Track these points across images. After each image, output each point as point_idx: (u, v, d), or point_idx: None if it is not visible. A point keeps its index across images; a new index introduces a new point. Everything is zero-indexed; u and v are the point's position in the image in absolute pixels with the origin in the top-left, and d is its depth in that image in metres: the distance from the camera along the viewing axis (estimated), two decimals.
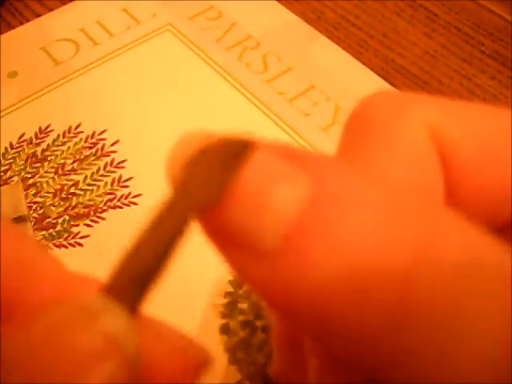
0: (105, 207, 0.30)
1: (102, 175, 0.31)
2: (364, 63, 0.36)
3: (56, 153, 0.32)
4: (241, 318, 0.25)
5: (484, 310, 0.08)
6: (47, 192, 0.30)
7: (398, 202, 0.09)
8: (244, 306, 0.26)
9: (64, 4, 0.40)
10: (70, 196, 0.30)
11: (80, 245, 0.28)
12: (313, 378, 0.11)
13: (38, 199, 0.30)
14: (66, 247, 0.28)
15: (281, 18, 0.39)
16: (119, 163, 0.31)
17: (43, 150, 0.32)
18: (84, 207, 0.30)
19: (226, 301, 0.26)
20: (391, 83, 0.35)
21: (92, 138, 0.32)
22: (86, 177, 0.31)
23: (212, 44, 0.37)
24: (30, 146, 0.32)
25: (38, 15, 0.39)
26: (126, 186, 0.30)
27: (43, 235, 0.29)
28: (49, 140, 0.32)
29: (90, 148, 0.32)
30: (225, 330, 0.25)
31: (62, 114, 0.34)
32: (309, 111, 0.33)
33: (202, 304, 0.26)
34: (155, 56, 0.37)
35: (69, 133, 0.33)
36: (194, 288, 0.27)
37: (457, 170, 0.11)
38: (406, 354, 0.08)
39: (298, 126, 0.33)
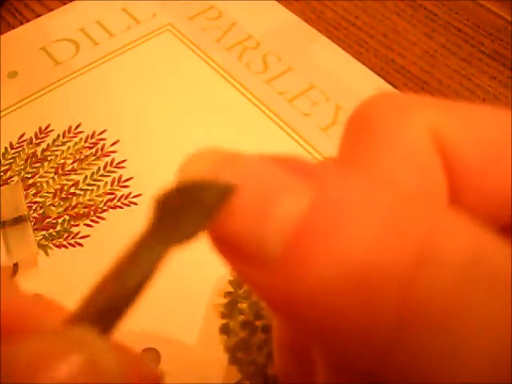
0: (105, 207, 0.30)
1: (102, 175, 0.31)
2: (364, 63, 0.36)
3: (56, 153, 0.32)
4: (241, 318, 0.25)
5: (486, 310, 0.08)
6: (47, 192, 0.30)
7: (401, 203, 0.09)
8: (244, 305, 0.26)
9: (64, 4, 0.40)
10: (70, 196, 0.30)
11: (80, 245, 0.28)
12: (318, 380, 0.11)
13: (38, 199, 0.30)
14: (66, 247, 0.28)
15: (281, 17, 0.39)
16: (119, 163, 0.31)
17: (43, 150, 0.32)
18: (84, 207, 0.30)
19: (226, 301, 0.26)
20: (391, 83, 0.35)
21: (92, 138, 0.32)
22: (86, 177, 0.31)
23: (212, 44, 0.37)
24: (30, 146, 0.32)
25: (38, 15, 0.39)
26: (126, 186, 0.30)
27: (43, 235, 0.29)
28: (49, 140, 0.32)
29: (90, 148, 0.32)
30: (225, 329, 0.25)
31: (62, 114, 0.34)
32: (309, 111, 0.33)
33: (202, 304, 0.26)
34: (155, 56, 0.37)
35: (69, 133, 0.33)
36: (194, 288, 0.27)
37: (459, 172, 0.11)
38: (410, 354, 0.08)
39: (298, 126, 0.33)
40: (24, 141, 0.32)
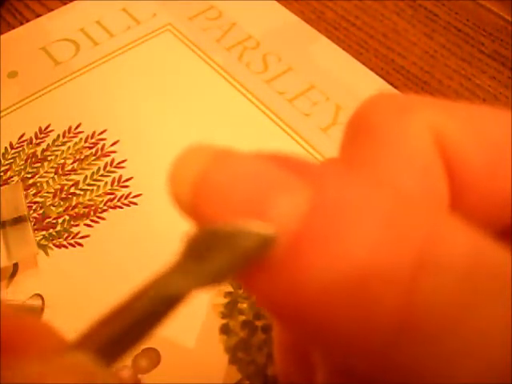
0: (105, 207, 0.30)
1: (102, 175, 0.31)
2: (364, 63, 0.36)
3: (56, 153, 0.32)
4: (241, 318, 0.25)
5: (486, 313, 0.08)
6: (47, 192, 0.30)
7: (402, 206, 0.09)
8: (244, 306, 0.26)
9: (64, 4, 0.40)
10: (70, 196, 0.30)
11: (80, 245, 0.28)
12: (318, 381, 0.11)
13: (38, 199, 0.30)
14: (66, 247, 0.28)
15: (281, 18, 0.39)
16: (119, 163, 0.31)
17: (43, 150, 0.32)
18: (84, 207, 0.30)
19: (226, 301, 0.26)
20: (391, 83, 0.35)
21: (92, 138, 0.32)
22: (86, 177, 0.31)
23: (212, 44, 0.37)
24: (30, 146, 0.32)
25: (38, 15, 0.39)
26: (126, 186, 0.30)
27: (43, 235, 0.29)
28: (49, 140, 0.32)
29: (90, 148, 0.32)
30: (225, 330, 0.25)
31: (62, 114, 0.34)
32: (309, 111, 0.33)
33: (202, 304, 0.26)
34: (155, 56, 0.37)
35: (69, 133, 0.33)
36: None
37: (460, 173, 0.11)
38: (409, 357, 0.08)
39: (298, 126, 0.33)
40: (24, 141, 0.32)
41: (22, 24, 0.39)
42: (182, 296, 0.09)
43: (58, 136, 0.33)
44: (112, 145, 0.32)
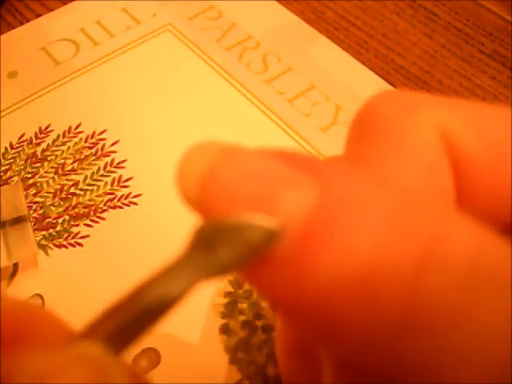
0: (105, 207, 0.30)
1: (102, 175, 0.31)
2: (364, 63, 0.36)
3: (56, 153, 0.32)
4: (241, 318, 0.25)
5: (488, 309, 0.08)
6: (47, 192, 0.30)
7: (408, 203, 0.09)
8: (244, 305, 0.26)
9: (64, 4, 0.40)
10: (70, 196, 0.30)
11: (80, 245, 0.28)
12: (324, 380, 0.11)
13: (38, 199, 0.30)
14: (66, 247, 0.28)
15: (281, 18, 0.39)
16: (119, 163, 0.31)
17: (43, 150, 0.32)
18: (84, 207, 0.30)
19: (226, 301, 0.26)
20: (391, 83, 0.35)
21: (92, 138, 0.32)
22: (85, 177, 0.31)
23: (212, 44, 0.37)
24: (30, 146, 0.32)
25: (38, 15, 0.39)
26: (126, 186, 0.30)
27: (43, 235, 0.29)
28: (49, 140, 0.32)
29: (90, 148, 0.32)
30: (225, 330, 0.25)
31: (62, 114, 0.34)
32: (309, 111, 0.33)
33: (202, 304, 0.26)
34: (155, 56, 0.37)
35: (69, 133, 0.33)
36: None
37: (466, 170, 0.11)
38: (414, 352, 0.08)
39: (297, 126, 0.33)
40: (24, 141, 0.32)
41: (22, 24, 0.39)
42: (189, 286, 0.09)
43: (58, 136, 0.33)
44: (112, 145, 0.32)
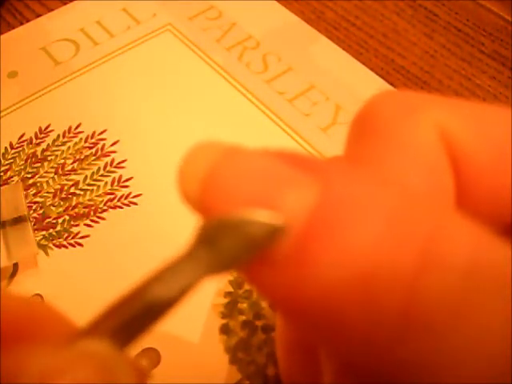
0: (105, 207, 0.30)
1: (102, 175, 0.31)
2: (364, 63, 0.36)
3: (56, 153, 0.32)
4: (241, 318, 0.25)
5: (487, 310, 0.08)
6: (47, 192, 0.30)
7: (407, 204, 0.09)
8: (244, 305, 0.26)
9: (64, 4, 0.40)
10: (70, 196, 0.30)
11: (80, 245, 0.28)
12: (325, 380, 0.11)
13: (38, 199, 0.30)
14: (66, 247, 0.28)
15: (281, 18, 0.39)
16: (119, 163, 0.31)
17: (43, 150, 0.32)
18: (84, 207, 0.30)
19: (226, 301, 0.26)
20: (391, 83, 0.35)
21: (92, 138, 0.32)
22: (85, 177, 0.31)
23: (212, 44, 0.37)
24: (30, 146, 0.32)
25: (38, 15, 0.39)
26: (126, 186, 0.30)
27: (43, 235, 0.29)
28: (49, 140, 0.32)
29: (90, 148, 0.32)
30: (225, 330, 0.25)
31: (62, 114, 0.34)
32: (309, 111, 0.33)
33: (202, 304, 0.26)
34: (155, 56, 0.37)
35: (69, 133, 0.33)
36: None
37: (466, 171, 0.11)
38: (413, 353, 0.08)
39: (298, 126, 0.33)
40: (24, 141, 0.32)
41: (22, 24, 0.39)
42: (193, 282, 0.09)
43: (58, 136, 0.33)
44: (112, 145, 0.32)
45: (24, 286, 0.27)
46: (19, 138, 0.33)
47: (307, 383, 0.13)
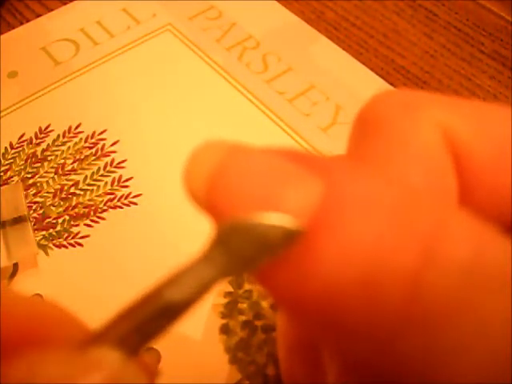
0: (105, 207, 0.30)
1: (102, 175, 0.31)
2: (364, 63, 0.36)
3: (56, 153, 0.32)
4: (241, 318, 0.25)
5: (487, 308, 0.08)
6: (47, 192, 0.30)
7: (410, 202, 0.09)
8: (244, 305, 0.26)
9: (64, 4, 0.40)
10: (70, 196, 0.30)
11: (80, 245, 0.28)
12: (328, 380, 0.11)
13: (38, 199, 0.30)
14: (66, 247, 0.28)
15: (281, 18, 0.39)
16: (119, 163, 0.31)
17: (43, 150, 0.32)
18: (84, 207, 0.30)
19: (226, 301, 0.26)
20: (391, 83, 0.35)
21: (92, 138, 0.32)
22: (86, 177, 0.31)
23: (212, 44, 0.37)
24: (30, 146, 0.32)
25: (38, 15, 0.39)
26: (126, 186, 0.30)
27: (43, 235, 0.29)
28: (49, 140, 0.32)
29: (90, 148, 0.32)
30: (225, 330, 0.25)
31: (62, 114, 0.34)
32: (309, 111, 0.33)
33: (202, 304, 0.26)
34: (155, 56, 0.37)
35: (69, 133, 0.33)
36: None
37: (469, 169, 0.11)
38: (415, 350, 0.08)
39: (298, 126, 0.33)
40: (24, 141, 0.32)
41: (22, 24, 0.39)
42: (209, 285, 0.09)
43: (58, 136, 0.33)
44: (112, 145, 0.32)
45: (24, 285, 0.27)
46: (19, 138, 0.33)
47: (309, 383, 0.13)
